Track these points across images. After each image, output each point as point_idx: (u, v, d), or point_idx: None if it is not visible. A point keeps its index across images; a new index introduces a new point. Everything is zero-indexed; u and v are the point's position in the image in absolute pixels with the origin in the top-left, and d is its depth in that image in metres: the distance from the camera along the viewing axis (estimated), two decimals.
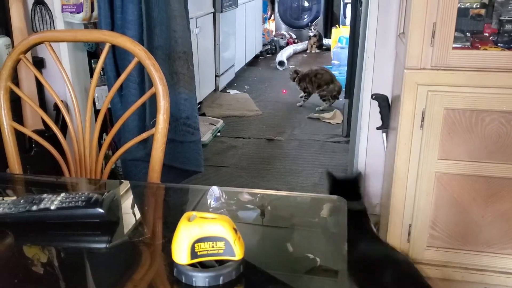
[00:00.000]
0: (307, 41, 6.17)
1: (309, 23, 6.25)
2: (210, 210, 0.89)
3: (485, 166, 1.59)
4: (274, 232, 0.84)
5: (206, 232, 0.59)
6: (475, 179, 1.62)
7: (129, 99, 1.98)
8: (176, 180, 2.22)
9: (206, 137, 3.17)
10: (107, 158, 1.35)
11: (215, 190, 1.03)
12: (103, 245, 0.75)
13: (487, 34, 1.61)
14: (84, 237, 0.75)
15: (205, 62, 3.73)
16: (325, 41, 6.15)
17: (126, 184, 1.04)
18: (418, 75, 1.53)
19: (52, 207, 0.73)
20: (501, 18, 1.61)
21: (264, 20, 6.30)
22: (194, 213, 0.61)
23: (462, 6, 1.65)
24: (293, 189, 2.59)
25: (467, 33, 1.64)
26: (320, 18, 6.36)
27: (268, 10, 6.48)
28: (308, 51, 6.14)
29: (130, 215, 0.86)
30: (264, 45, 5.98)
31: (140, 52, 1.20)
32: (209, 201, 0.95)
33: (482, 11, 1.65)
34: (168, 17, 2.01)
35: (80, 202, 0.73)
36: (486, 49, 1.51)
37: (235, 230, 0.61)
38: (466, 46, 1.57)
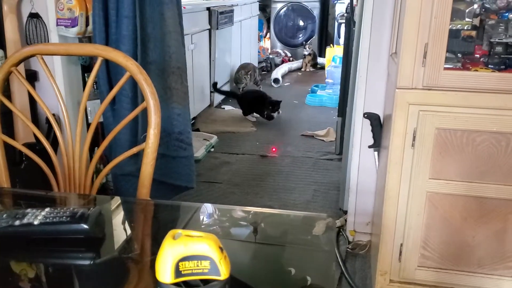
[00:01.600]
0: (302, 60, 6.23)
1: (304, 42, 6.31)
2: (202, 227, 0.88)
3: (476, 187, 1.59)
4: (266, 249, 0.83)
5: (191, 250, 0.58)
6: (466, 199, 1.61)
7: (122, 113, 1.98)
8: (168, 196, 2.20)
9: (199, 152, 3.16)
10: (98, 172, 1.34)
11: (207, 207, 1.02)
12: (86, 262, 0.74)
13: (478, 55, 1.62)
14: (68, 254, 0.74)
15: (200, 78, 3.75)
16: (320, 60, 6.21)
17: (114, 200, 1.03)
18: (409, 94, 1.54)
19: (36, 222, 0.72)
20: (492, 40, 1.63)
21: (260, 38, 6.36)
22: (179, 231, 0.60)
23: (454, 28, 1.67)
24: (285, 206, 2.58)
25: (459, 54, 1.66)
26: (315, 37, 6.43)
27: (264, 28, 6.54)
28: (302, 69, 6.18)
29: (116, 231, 0.85)
30: (259, 62, 6.02)
31: (132, 67, 1.20)
32: (201, 217, 0.94)
33: (473, 33, 1.66)
34: (163, 33, 2.02)
35: (64, 217, 0.72)
36: (477, 70, 1.52)
37: (221, 249, 0.60)
38: (458, 67, 1.58)
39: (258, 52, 6.01)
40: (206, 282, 0.60)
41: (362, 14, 2.01)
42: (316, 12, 6.32)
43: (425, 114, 1.56)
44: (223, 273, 0.59)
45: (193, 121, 3.71)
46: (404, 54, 1.51)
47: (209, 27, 3.87)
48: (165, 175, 2.12)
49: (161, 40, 2.01)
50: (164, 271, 0.58)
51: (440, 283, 1.73)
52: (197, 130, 3.65)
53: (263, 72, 6.03)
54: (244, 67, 4.69)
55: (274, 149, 3.20)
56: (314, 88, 4.97)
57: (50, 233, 0.73)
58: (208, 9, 3.84)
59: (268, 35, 6.64)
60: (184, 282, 0.59)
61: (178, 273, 0.58)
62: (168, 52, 2.02)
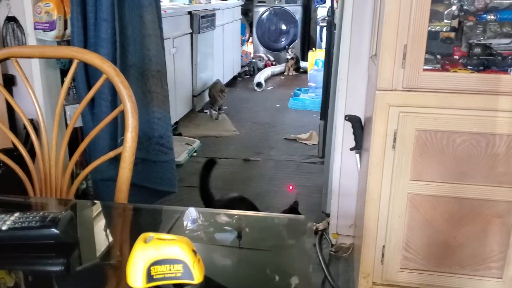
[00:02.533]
0: (284, 64, 6.24)
1: (287, 46, 6.33)
2: (186, 232, 0.86)
3: (457, 188, 1.60)
4: (250, 254, 0.81)
5: (163, 254, 0.56)
6: (447, 200, 1.62)
7: (101, 117, 1.94)
8: (149, 201, 2.17)
9: (182, 157, 3.13)
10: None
11: (191, 212, 1.00)
12: (57, 268, 0.71)
13: (457, 56, 1.64)
14: (37, 260, 0.71)
15: (182, 82, 3.72)
16: (302, 63, 6.23)
17: (90, 204, 1.00)
18: (389, 96, 1.54)
19: (4, 228, 0.69)
20: (470, 41, 1.65)
21: (243, 42, 6.36)
22: (151, 234, 0.58)
23: (433, 30, 1.68)
24: (268, 210, 2.56)
25: (438, 56, 1.67)
26: (298, 41, 6.46)
27: (247, 32, 6.55)
28: (285, 73, 6.19)
29: (89, 236, 0.82)
30: (242, 66, 6.01)
31: (108, 69, 1.18)
32: (185, 223, 0.92)
33: (452, 35, 1.68)
34: (142, 36, 2.00)
35: (34, 222, 0.70)
36: (456, 71, 1.53)
37: (195, 252, 0.58)
38: (437, 68, 1.59)
39: (241, 56, 6.00)
40: (179, 286, 0.58)
41: (342, 17, 2.02)
42: (298, 16, 6.35)
43: (405, 116, 1.56)
44: (197, 277, 0.57)
45: (175, 125, 3.68)
46: (383, 56, 1.52)
47: (191, 31, 3.85)
48: (146, 179, 2.09)
49: (141, 43, 1.99)
50: (135, 276, 0.56)
51: (423, 284, 1.74)
52: (179, 134, 3.62)
53: (246, 76, 6.03)
54: (219, 85, 4.32)
55: (291, 188, 2.96)
56: (297, 91, 4.98)
57: (19, 238, 0.70)
58: (190, 13, 3.82)
59: (250, 39, 6.64)
60: (156, 287, 0.57)
61: (150, 277, 0.56)
62: (148, 55, 2.00)
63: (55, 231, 0.69)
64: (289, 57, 6.14)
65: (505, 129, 1.50)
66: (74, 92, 2.21)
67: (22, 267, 0.71)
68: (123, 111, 1.16)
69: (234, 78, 5.74)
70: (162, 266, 0.56)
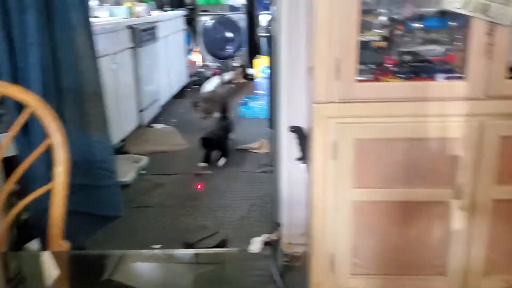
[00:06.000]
0: (232, 72, 6.23)
1: (234, 54, 6.33)
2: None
3: (398, 192, 1.64)
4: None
5: None
6: (390, 205, 1.66)
7: (36, 143, 1.86)
8: (95, 228, 2.10)
9: (129, 176, 3.06)
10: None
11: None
12: None
13: (388, 65, 1.68)
14: None
15: (126, 97, 3.63)
16: (251, 71, 6.24)
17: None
18: (326, 108, 1.57)
19: None
20: (400, 49, 1.70)
21: (189, 52, 6.30)
22: None
23: (366, 40, 1.72)
24: (221, 224, 2.54)
25: (372, 66, 1.70)
26: (245, 49, 6.47)
27: (192, 42, 6.50)
28: (235, 81, 6.19)
29: None
30: (191, 76, 5.96)
31: (33, 102, 1.13)
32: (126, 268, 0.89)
33: (384, 44, 1.72)
34: (76, 57, 1.93)
35: None
36: (387, 81, 1.58)
37: None
38: (370, 78, 1.63)
39: (188, 66, 5.95)
40: None
41: (280, 27, 2.03)
42: (242, 24, 6.37)
43: (343, 126, 1.59)
44: None
45: (123, 143, 3.59)
46: (318, 70, 1.54)
47: (132, 45, 3.77)
48: (90, 206, 2.02)
49: (74, 65, 1.92)
50: None
51: None
52: (126, 152, 3.52)
53: (195, 86, 5.97)
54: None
55: (199, 186, 3.08)
56: (246, 99, 4.98)
57: None
58: (130, 27, 3.74)
59: (197, 49, 6.59)
60: None
61: None
62: (82, 77, 1.93)
63: None
64: (236, 65, 6.14)
65: (437, 133, 1.56)
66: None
67: None
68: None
69: (183, 89, 5.67)
70: None
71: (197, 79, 6.04)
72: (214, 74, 6.23)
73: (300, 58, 1.99)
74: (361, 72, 1.61)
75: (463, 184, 1.59)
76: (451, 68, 1.62)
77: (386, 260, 1.73)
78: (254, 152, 3.66)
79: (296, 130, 1.96)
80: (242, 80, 6.18)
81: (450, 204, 1.62)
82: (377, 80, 1.60)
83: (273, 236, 2.31)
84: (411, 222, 1.68)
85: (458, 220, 1.63)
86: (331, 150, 1.62)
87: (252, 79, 6.05)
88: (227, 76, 6.22)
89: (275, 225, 2.37)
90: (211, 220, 2.59)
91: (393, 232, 1.69)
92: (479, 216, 1.62)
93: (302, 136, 1.98)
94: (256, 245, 2.27)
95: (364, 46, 1.69)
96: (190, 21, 6.52)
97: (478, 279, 1.70)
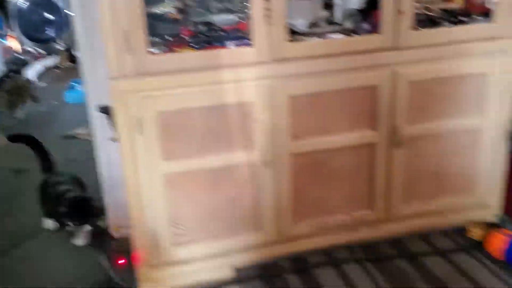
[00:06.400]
0: (57, 56, 5.76)
1: (56, 36, 5.84)
2: None
3: (205, 159, 1.70)
4: None
5: None
6: (200, 173, 1.71)
7: None
8: None
9: None
10: None
11: None
12: None
13: (184, 37, 1.70)
14: None
15: None
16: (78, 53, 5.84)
17: None
18: (122, 83, 1.53)
19: None
20: (195, 20, 1.73)
21: (2, 37, 5.65)
22: None
23: (160, 12, 1.72)
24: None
25: (168, 38, 1.70)
26: (71, 30, 5.99)
27: (4, 25, 5.82)
28: (60, 65, 5.74)
29: None
30: (7, 63, 5.35)
31: None
32: None
33: (178, 16, 1.74)
34: None
35: None
36: (181, 52, 1.60)
37: None
38: (166, 50, 1.63)
39: (3, 52, 5.33)
40: None
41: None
42: (61, 4, 5.88)
43: (144, 101, 1.58)
44: None
45: None
46: (107, 43, 1.49)
47: None
48: None
49: None
50: None
51: (201, 254, 1.82)
52: None
53: (17, 75, 5.37)
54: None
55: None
56: (73, 83, 4.67)
57: None
58: None
59: (12, 33, 5.92)
60: None
61: None
62: None
63: None
64: (61, 48, 5.68)
65: (234, 98, 1.64)
66: None
67: None
68: None
69: (2, 79, 5.07)
70: None
71: (15, 67, 5.44)
72: (36, 59, 5.70)
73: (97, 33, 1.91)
74: (155, 45, 1.61)
75: (263, 142, 1.71)
76: (242, 35, 1.70)
77: (205, 225, 1.79)
78: (84, 139, 3.46)
79: (104, 109, 1.89)
80: (68, 64, 5.76)
81: (254, 163, 1.74)
82: (172, 51, 1.61)
83: (102, 223, 2.24)
84: (221, 187, 1.75)
85: (263, 176, 1.75)
86: (136, 125, 1.60)
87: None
88: (51, 60, 5.74)
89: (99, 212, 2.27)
90: (27, 222, 2.38)
91: (207, 199, 1.75)
92: (280, 169, 1.76)
93: (111, 113, 1.91)
94: None
95: (159, 18, 1.69)
96: (2, 3, 5.82)
97: (289, 227, 1.87)
